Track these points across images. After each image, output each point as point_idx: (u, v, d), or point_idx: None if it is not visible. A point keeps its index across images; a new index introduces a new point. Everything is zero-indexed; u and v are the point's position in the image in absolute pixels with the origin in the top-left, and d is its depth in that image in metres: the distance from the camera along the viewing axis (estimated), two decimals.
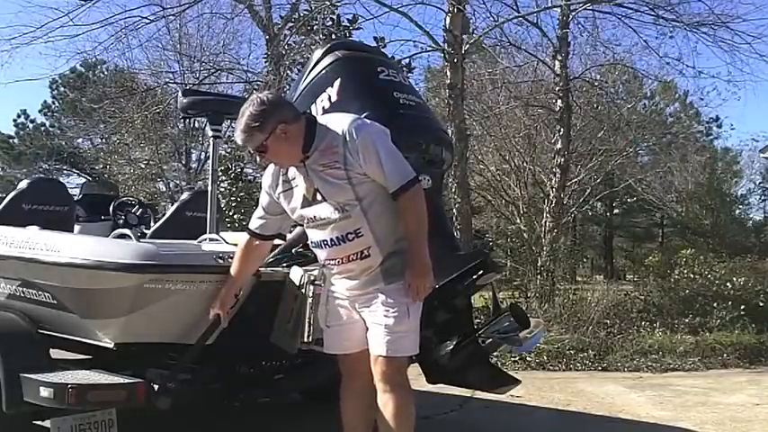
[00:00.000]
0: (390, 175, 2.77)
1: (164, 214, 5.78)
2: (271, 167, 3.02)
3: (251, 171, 11.63)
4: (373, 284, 2.83)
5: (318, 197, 2.82)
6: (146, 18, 11.49)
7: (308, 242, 2.99)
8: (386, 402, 2.82)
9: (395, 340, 2.79)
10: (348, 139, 2.75)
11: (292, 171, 2.90)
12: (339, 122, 2.83)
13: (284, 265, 3.36)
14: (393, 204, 2.81)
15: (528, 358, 7.14)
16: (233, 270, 3.04)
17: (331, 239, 2.83)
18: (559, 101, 12.19)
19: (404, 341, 2.82)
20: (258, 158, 2.93)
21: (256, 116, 2.76)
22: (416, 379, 3.38)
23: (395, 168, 2.78)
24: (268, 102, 2.81)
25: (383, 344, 2.79)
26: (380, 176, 2.77)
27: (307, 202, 2.86)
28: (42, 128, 28.80)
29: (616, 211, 28.97)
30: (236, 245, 3.22)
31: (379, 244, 2.80)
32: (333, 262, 2.88)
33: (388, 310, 2.80)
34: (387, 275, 2.82)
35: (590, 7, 11.33)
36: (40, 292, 3.40)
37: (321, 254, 2.93)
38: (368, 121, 2.89)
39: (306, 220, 2.90)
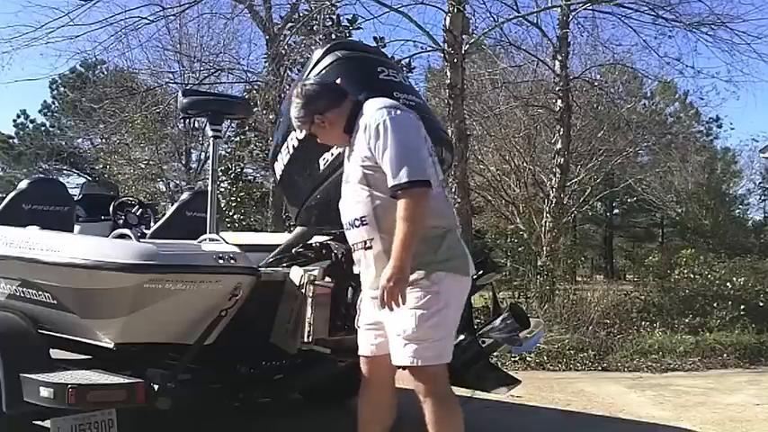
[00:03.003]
0: (393, 169, 2.64)
1: (164, 214, 5.78)
2: None
3: (251, 171, 11.65)
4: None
5: (346, 177, 2.87)
6: (146, 18, 11.44)
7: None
8: (426, 412, 2.73)
9: (414, 349, 2.66)
10: (370, 123, 2.73)
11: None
12: (372, 106, 2.81)
13: (284, 265, 3.36)
14: None
15: (528, 358, 7.14)
16: None
17: (347, 222, 2.85)
18: (559, 101, 12.17)
19: (424, 350, 2.66)
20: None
21: (296, 111, 2.92)
22: None
23: (400, 164, 2.63)
24: (302, 95, 2.92)
25: (402, 354, 2.69)
26: (386, 169, 2.67)
27: (344, 180, 2.91)
28: (42, 128, 28.84)
29: (616, 211, 29.01)
30: (236, 245, 3.23)
31: (382, 239, 2.71)
32: (351, 248, 2.89)
33: (401, 318, 2.68)
34: None
35: (590, 7, 11.31)
36: (39, 292, 3.39)
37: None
38: (398, 111, 2.77)
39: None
